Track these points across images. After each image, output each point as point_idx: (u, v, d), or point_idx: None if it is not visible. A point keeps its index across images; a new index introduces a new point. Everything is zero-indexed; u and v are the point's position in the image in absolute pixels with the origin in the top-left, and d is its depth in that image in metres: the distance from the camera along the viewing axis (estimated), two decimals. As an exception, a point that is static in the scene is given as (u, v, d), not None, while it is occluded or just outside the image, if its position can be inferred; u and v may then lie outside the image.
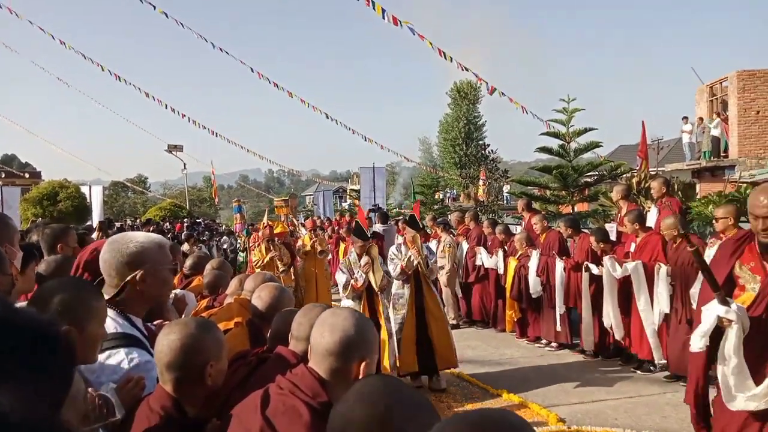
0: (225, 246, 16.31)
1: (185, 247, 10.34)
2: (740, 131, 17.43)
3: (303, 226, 13.89)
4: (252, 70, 17.65)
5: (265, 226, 10.43)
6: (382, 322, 5.82)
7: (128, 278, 2.11)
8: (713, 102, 19.24)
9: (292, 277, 9.65)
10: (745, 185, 9.36)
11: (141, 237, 2.21)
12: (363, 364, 1.66)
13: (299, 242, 10.48)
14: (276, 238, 9.56)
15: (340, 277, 5.88)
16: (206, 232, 17.96)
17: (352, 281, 5.78)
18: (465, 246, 9.17)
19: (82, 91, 23.69)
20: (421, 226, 6.54)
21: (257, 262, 9.09)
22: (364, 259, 5.82)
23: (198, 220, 26.26)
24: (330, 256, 12.04)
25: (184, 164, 41.90)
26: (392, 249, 6.29)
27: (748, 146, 17.34)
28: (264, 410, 1.61)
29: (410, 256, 5.98)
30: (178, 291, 3.80)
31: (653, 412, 5.02)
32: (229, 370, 2.01)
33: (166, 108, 20.75)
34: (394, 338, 5.94)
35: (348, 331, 1.66)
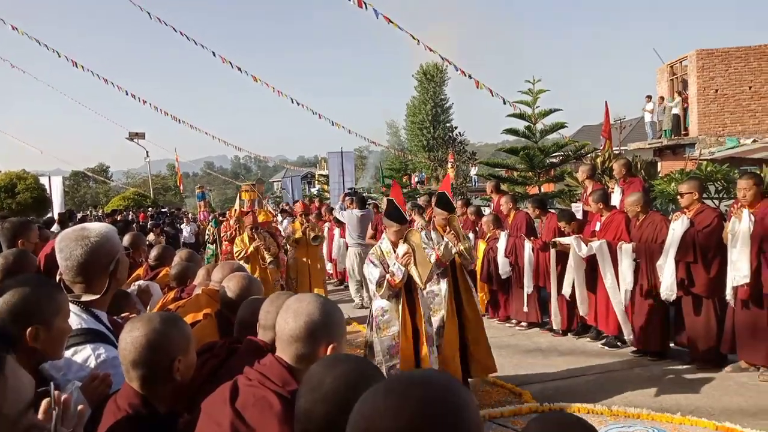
0: (186, 234, 15.96)
1: (150, 237, 10.13)
2: (700, 110, 17.86)
3: (280, 212, 13.41)
4: (214, 55, 17.33)
5: (246, 213, 9.34)
6: (423, 327, 4.57)
7: (111, 269, 2.08)
8: (674, 81, 19.64)
9: (282, 269, 8.77)
10: (705, 163, 9.59)
11: (98, 227, 2.16)
12: (330, 347, 1.64)
13: (288, 228, 9.58)
14: (260, 227, 8.52)
15: (372, 271, 4.54)
16: (170, 223, 17.45)
17: (388, 276, 4.45)
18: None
19: (39, 78, 22.82)
20: (453, 208, 5.36)
21: (239, 253, 8.10)
22: (403, 247, 4.49)
23: (163, 210, 25.74)
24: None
25: (147, 152, 41.07)
26: (422, 235, 4.98)
27: (707, 124, 17.78)
28: (233, 403, 1.58)
29: (447, 244, 4.89)
30: (141, 282, 3.71)
31: (621, 387, 5.14)
32: (197, 363, 1.97)
33: (127, 94, 20.27)
34: (434, 345, 4.75)
35: (312, 315, 1.64)
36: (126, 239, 4.58)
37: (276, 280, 8.11)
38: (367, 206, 10.01)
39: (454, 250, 4.94)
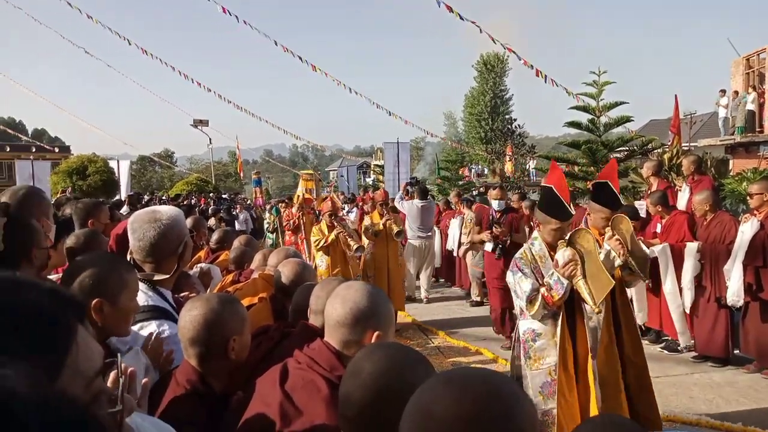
0: (240, 221, 15.98)
1: (211, 221, 10.47)
2: (777, 105, 16.84)
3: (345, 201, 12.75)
4: (276, 44, 17.63)
5: (325, 198, 8.68)
6: (590, 363, 3.45)
7: (179, 252, 2.17)
8: (749, 75, 18.58)
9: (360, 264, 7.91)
10: (781, 161, 9.06)
11: (169, 210, 2.25)
12: (375, 334, 1.65)
13: (366, 220, 8.31)
14: (336, 213, 7.72)
15: (521, 282, 3.44)
16: (227, 209, 17.60)
17: (543, 290, 3.36)
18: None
19: (110, 65, 23.83)
20: (619, 204, 4.04)
21: (318, 243, 7.27)
22: (565, 252, 3.33)
23: (223, 196, 26.45)
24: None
25: (210, 139, 42.37)
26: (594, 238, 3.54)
27: (785, 121, 16.76)
28: (283, 384, 1.62)
29: (609, 252, 3.62)
30: (203, 265, 3.85)
31: (680, 393, 4.96)
32: (252, 345, 2.03)
33: (192, 82, 20.90)
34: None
35: (359, 302, 1.65)
36: (188, 222, 4.76)
37: (357, 275, 7.41)
38: (428, 197, 9.54)
39: (617, 262, 3.62)
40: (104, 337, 1.82)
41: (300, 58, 17.71)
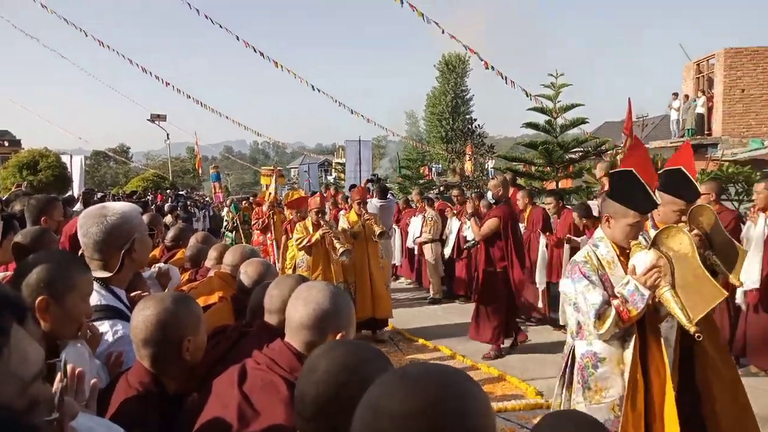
0: (198, 221, 15.34)
1: (168, 219, 10.23)
2: (725, 109, 17.55)
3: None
4: (238, 39, 17.36)
5: (313, 194, 8.10)
6: (669, 386, 2.71)
7: (126, 249, 2.11)
8: (699, 79, 19.30)
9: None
10: (727, 164, 9.45)
11: (119, 206, 2.20)
12: (338, 336, 1.66)
13: (341, 221, 7.47)
14: (323, 211, 6.97)
15: (587, 293, 2.72)
16: (183, 206, 16.99)
17: (617, 303, 2.66)
18: (456, 222, 9.16)
19: (65, 56, 23.06)
20: (697, 193, 3.29)
21: (300, 241, 6.63)
22: (647, 255, 2.66)
23: (180, 192, 25.84)
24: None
25: (167, 134, 41.35)
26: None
27: (731, 125, 17.48)
28: (241, 385, 1.61)
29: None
30: (162, 265, 3.76)
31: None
32: (209, 345, 2.00)
33: (150, 75, 20.39)
34: None
35: (321, 304, 1.65)
36: (144, 219, 4.65)
37: (340, 281, 6.80)
38: (388, 196, 9.18)
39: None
40: (52, 339, 1.76)
41: (262, 54, 17.51)
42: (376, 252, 7.37)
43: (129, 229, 2.15)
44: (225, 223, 11.57)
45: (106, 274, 2.12)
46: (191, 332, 1.81)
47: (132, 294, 2.36)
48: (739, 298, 5.16)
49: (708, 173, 8.34)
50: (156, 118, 40.32)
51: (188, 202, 18.49)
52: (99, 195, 18.12)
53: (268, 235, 9.48)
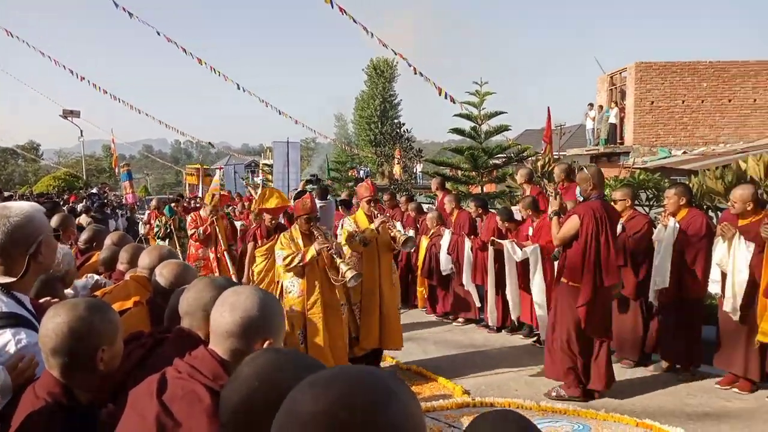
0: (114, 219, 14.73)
1: (82, 219, 9.64)
2: (636, 120, 18.65)
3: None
4: (159, 33, 16.71)
5: (302, 193, 6.65)
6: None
7: (31, 251, 1.96)
8: (613, 91, 20.41)
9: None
10: (638, 171, 10.03)
11: (22, 206, 2.04)
12: (266, 344, 1.61)
13: (348, 224, 5.57)
14: (316, 216, 5.16)
15: None
16: (99, 208, 15.92)
17: None
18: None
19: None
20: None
21: (289, 260, 4.86)
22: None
23: (93, 192, 24.35)
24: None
25: (81, 131, 39.20)
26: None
27: (642, 134, 18.60)
28: (160, 395, 1.52)
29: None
30: (100, 278, 3.52)
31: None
32: (123, 352, 1.89)
33: (64, 69, 19.31)
34: None
35: (249, 311, 1.58)
36: (54, 220, 4.35)
37: (343, 303, 5.29)
38: (329, 197, 8.42)
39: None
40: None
41: (184, 50, 16.95)
42: (389, 265, 5.66)
43: (33, 230, 1.99)
44: (157, 229, 9.77)
45: (9, 280, 1.96)
46: (106, 342, 1.70)
47: (41, 300, 2.20)
48: (651, 296, 5.48)
49: (621, 180, 8.81)
50: (69, 114, 38.13)
51: (105, 201, 17.53)
52: (6, 194, 16.90)
53: (211, 248, 7.65)
